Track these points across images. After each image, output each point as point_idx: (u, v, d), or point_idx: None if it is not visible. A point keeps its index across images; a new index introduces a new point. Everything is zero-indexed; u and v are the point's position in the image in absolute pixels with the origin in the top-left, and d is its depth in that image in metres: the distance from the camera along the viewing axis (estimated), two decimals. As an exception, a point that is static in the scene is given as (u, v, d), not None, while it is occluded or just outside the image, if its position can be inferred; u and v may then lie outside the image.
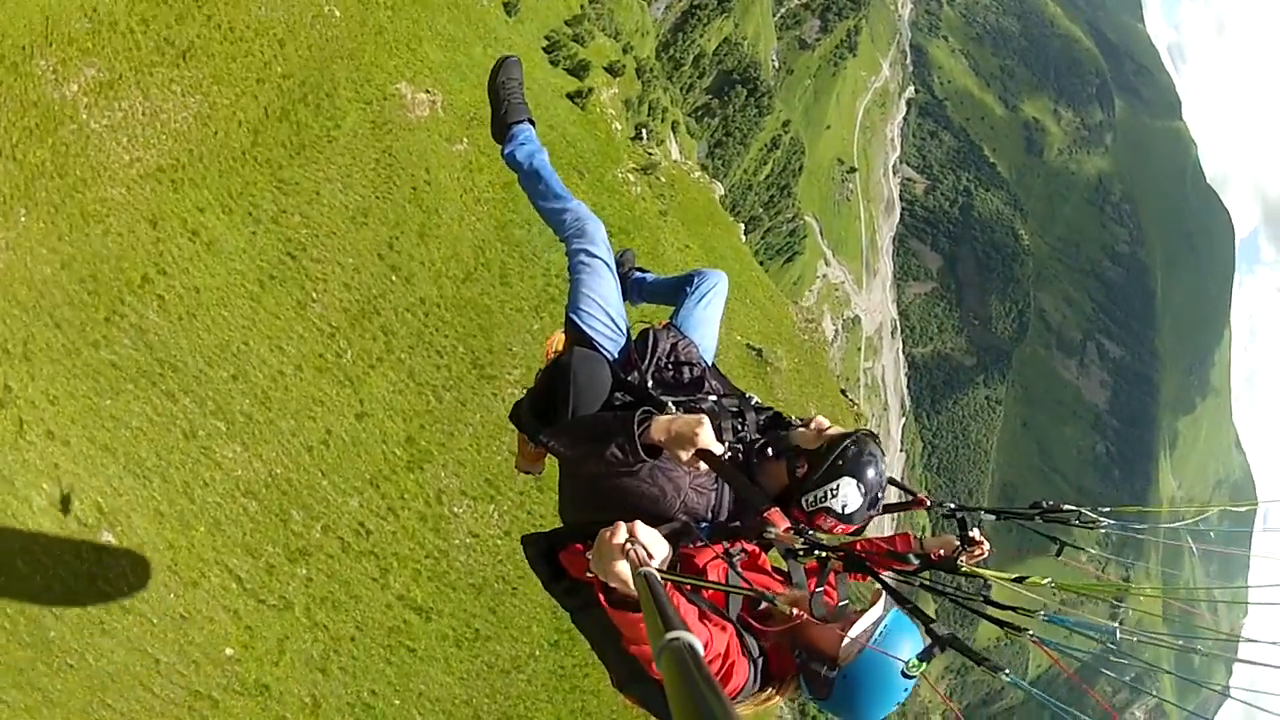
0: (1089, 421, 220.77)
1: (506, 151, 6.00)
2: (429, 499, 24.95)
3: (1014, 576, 3.52)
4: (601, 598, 3.38)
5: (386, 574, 23.03)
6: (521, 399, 5.07)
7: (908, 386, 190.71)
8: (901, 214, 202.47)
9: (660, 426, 4.16)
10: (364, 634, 21.48)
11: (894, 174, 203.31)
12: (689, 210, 55.01)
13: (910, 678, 3.47)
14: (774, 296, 60.24)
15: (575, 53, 50.87)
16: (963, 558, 4.37)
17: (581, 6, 59.78)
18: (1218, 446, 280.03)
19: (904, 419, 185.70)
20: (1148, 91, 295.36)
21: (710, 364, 5.47)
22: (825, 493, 4.14)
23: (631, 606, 3.30)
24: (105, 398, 18.01)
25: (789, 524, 3.84)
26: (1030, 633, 3.34)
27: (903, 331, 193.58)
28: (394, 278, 27.03)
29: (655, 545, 3.16)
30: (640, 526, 3.19)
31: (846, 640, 3.53)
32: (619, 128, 51.36)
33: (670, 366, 5.13)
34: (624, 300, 6.10)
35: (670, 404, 4.52)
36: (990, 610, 3.56)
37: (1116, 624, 3.30)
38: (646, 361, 5.02)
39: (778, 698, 3.89)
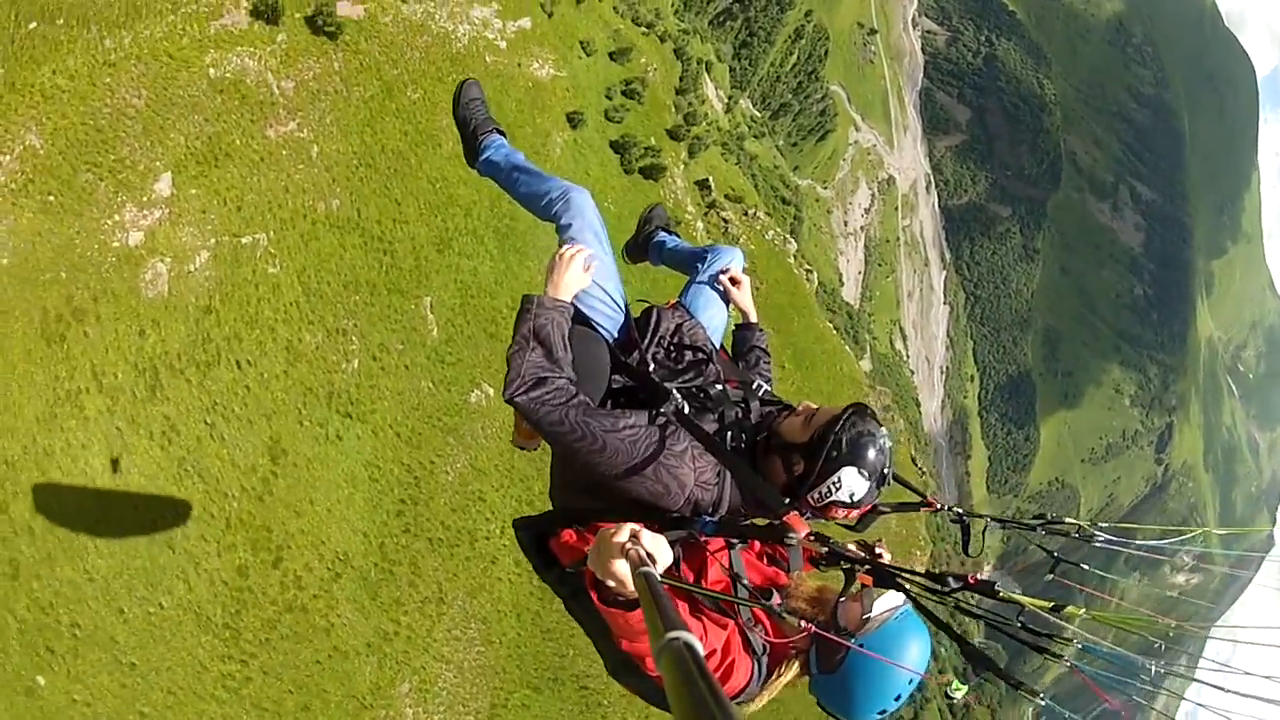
0: (1125, 264, 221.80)
1: (480, 163, 6.09)
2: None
3: (1051, 604, 3.69)
4: (594, 595, 3.58)
5: None
6: None
7: (946, 240, 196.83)
8: (925, 68, 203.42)
9: (549, 282, 4.67)
10: None
11: (914, 28, 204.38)
12: (773, 299, 66.13)
13: (951, 699, 3.70)
14: (855, 387, 71.80)
15: (641, 142, 61.79)
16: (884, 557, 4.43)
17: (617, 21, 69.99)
18: (1252, 289, 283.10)
19: (945, 272, 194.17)
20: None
21: (718, 347, 5.58)
22: (829, 487, 4.16)
23: (625, 605, 3.49)
24: None
25: (809, 530, 3.97)
26: (1068, 660, 3.59)
27: (937, 186, 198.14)
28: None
29: (659, 550, 3.23)
30: (645, 531, 3.27)
31: (871, 615, 3.82)
32: (701, 227, 64.52)
33: (673, 348, 5.18)
34: (644, 260, 7.25)
35: (674, 390, 4.48)
36: (1027, 636, 3.78)
37: (1152, 662, 3.58)
38: (647, 342, 5.08)
39: (781, 681, 4.03)
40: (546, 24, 55.83)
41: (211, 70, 34.77)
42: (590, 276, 4.83)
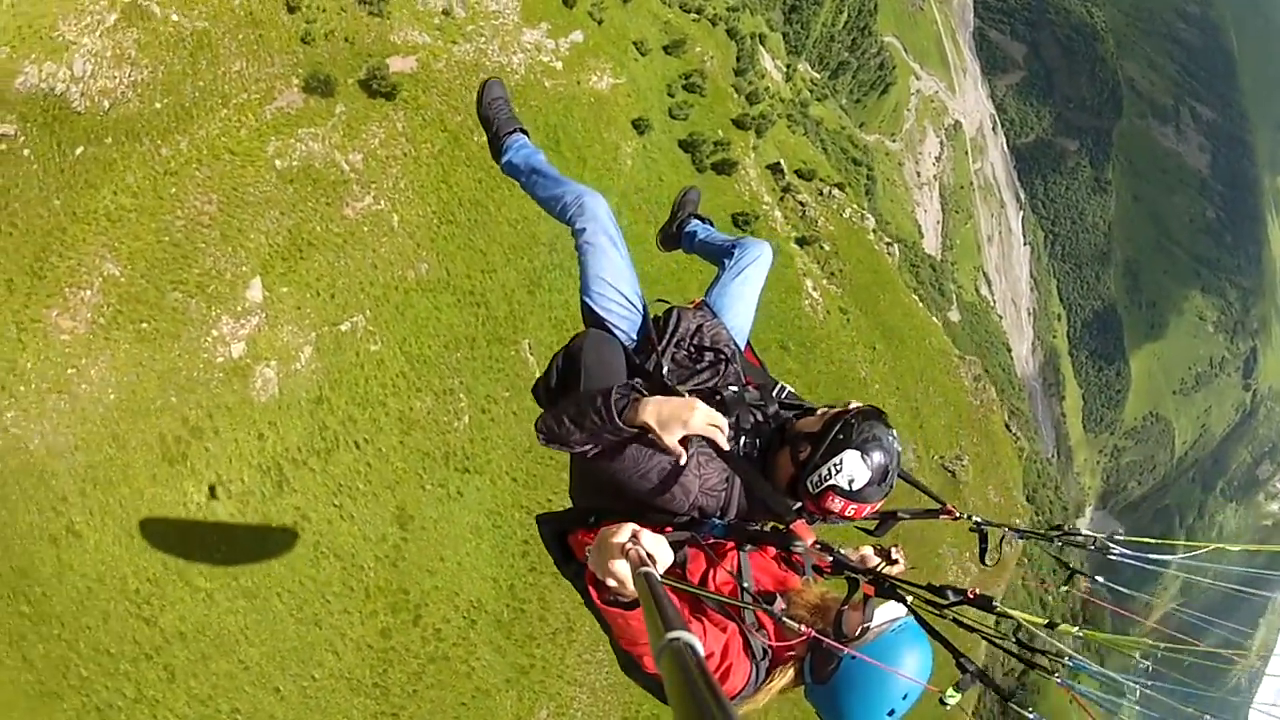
0: (1195, 188, 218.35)
1: (504, 163, 6.12)
2: None
3: (1045, 622, 3.76)
4: (594, 593, 3.55)
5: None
6: (540, 377, 5.10)
7: (1019, 179, 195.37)
8: (975, 7, 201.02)
9: (649, 408, 4.11)
10: None
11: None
12: (857, 279, 65.66)
13: (945, 705, 3.60)
14: (946, 360, 70.85)
15: (709, 138, 61.37)
16: (890, 566, 4.48)
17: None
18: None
19: (1021, 212, 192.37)
20: None
21: (741, 346, 5.39)
22: (829, 469, 4.06)
23: (624, 606, 3.45)
24: None
25: (815, 539, 4.09)
26: (1059, 677, 3.61)
27: (1002, 125, 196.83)
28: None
29: (659, 551, 3.25)
30: (645, 532, 3.27)
31: (869, 625, 3.77)
32: (779, 216, 64.35)
33: (691, 349, 5.03)
34: (676, 249, 7.30)
35: (685, 393, 4.46)
36: (1021, 652, 3.84)
37: (1140, 681, 3.61)
38: (664, 343, 4.94)
39: (775, 687, 4.01)
40: (598, 32, 55.87)
41: (277, 161, 35.24)
42: (705, 431, 4.19)
